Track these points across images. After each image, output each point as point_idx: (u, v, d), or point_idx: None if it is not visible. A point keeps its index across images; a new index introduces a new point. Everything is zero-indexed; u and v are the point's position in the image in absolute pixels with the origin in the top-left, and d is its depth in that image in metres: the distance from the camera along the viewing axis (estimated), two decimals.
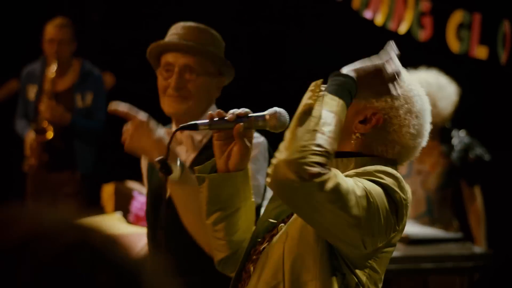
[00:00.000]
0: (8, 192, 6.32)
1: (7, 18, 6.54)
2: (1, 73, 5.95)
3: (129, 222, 3.67)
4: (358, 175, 1.81)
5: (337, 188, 1.69)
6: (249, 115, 1.95)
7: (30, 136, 5.15)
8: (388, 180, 1.80)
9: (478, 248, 4.33)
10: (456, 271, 4.21)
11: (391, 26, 4.88)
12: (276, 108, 1.98)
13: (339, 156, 1.88)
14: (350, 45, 6.14)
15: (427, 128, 1.97)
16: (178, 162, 2.30)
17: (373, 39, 5.92)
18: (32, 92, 5.29)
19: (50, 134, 5.07)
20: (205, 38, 2.63)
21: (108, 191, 4.24)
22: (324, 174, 1.67)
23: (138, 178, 4.28)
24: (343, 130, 1.81)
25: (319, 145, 1.69)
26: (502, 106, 5.49)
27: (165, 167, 1.94)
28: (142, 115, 2.43)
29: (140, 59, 3.26)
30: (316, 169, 1.66)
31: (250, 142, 1.98)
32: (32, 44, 5.53)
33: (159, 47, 2.66)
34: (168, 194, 2.44)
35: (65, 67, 5.25)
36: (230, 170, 1.97)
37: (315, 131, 1.71)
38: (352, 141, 1.92)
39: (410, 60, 4.67)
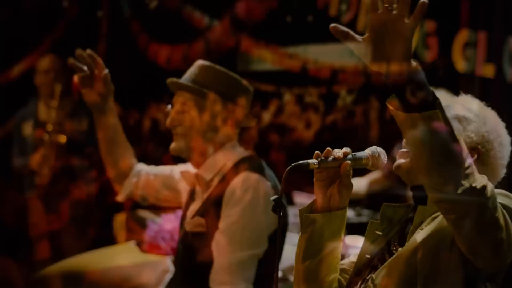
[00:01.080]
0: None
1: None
2: None
3: (143, 251, 3.65)
4: None
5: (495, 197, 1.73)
6: (353, 153, 1.98)
7: (36, 154, 5.20)
8: (506, 201, 1.84)
9: None
10: None
11: None
12: (376, 147, 2.01)
13: None
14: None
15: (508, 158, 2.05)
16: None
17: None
18: (28, 127, 5.41)
19: (63, 138, 5.12)
20: (195, 73, 2.82)
21: (120, 220, 4.23)
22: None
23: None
24: None
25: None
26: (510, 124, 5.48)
27: (280, 206, 1.95)
28: None
29: (146, 92, 3.28)
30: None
31: (350, 180, 1.99)
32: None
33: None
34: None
35: (59, 96, 5.34)
36: (331, 209, 1.98)
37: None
38: None
39: None
